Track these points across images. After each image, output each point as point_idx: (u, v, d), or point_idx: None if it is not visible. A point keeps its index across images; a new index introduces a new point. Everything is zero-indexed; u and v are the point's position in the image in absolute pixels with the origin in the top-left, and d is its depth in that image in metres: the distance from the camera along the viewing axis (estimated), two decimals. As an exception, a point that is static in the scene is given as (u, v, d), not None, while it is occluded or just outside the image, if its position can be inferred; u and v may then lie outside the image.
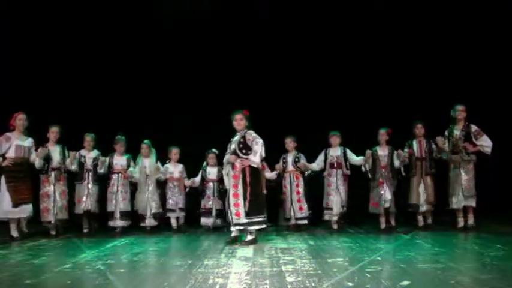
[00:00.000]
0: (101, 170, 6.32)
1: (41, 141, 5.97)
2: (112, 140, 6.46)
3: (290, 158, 6.45)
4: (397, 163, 6.09)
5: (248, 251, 4.48)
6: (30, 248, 4.96)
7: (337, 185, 6.24)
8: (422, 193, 6.03)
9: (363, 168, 6.22)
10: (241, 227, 4.99)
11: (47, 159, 5.90)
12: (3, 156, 5.65)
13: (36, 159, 5.82)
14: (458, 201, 5.79)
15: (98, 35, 7.72)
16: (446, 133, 6.02)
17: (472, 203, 5.78)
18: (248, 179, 4.96)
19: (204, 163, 6.60)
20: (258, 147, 4.95)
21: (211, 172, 6.54)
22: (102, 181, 6.39)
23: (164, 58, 7.92)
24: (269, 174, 6.39)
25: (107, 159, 6.38)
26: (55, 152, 6.01)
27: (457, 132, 5.90)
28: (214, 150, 6.53)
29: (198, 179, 6.59)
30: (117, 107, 7.62)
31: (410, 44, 7.71)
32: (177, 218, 6.55)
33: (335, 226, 6.25)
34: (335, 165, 6.30)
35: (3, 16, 7.42)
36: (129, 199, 6.37)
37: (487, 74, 7.58)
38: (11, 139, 5.69)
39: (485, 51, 7.56)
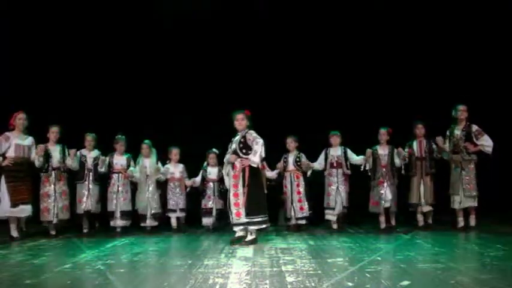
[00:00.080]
0: (102, 169, 6.32)
1: (41, 141, 5.97)
2: (112, 140, 6.46)
3: (291, 158, 6.44)
4: (397, 161, 6.09)
5: (248, 251, 4.48)
6: (30, 248, 4.96)
7: (338, 184, 6.24)
8: (422, 193, 6.03)
9: (362, 167, 6.22)
10: (242, 227, 4.99)
11: (47, 158, 5.90)
12: (3, 155, 5.65)
13: (36, 158, 5.82)
14: (460, 201, 5.79)
15: (98, 35, 7.73)
16: (447, 133, 6.02)
17: (474, 203, 5.78)
18: (248, 179, 4.96)
19: (205, 163, 6.60)
20: (258, 147, 4.94)
21: (212, 172, 6.54)
22: (103, 181, 6.39)
23: (164, 58, 7.93)
24: (270, 174, 6.40)
25: (107, 158, 6.38)
26: (55, 151, 6.01)
27: (458, 132, 5.90)
28: (214, 150, 6.53)
29: (198, 178, 6.59)
30: (117, 106, 7.63)
31: (411, 44, 7.72)
32: (178, 218, 6.56)
33: (335, 226, 6.25)
34: (335, 165, 6.29)
35: (3, 16, 7.41)
36: (129, 199, 6.37)
37: (488, 74, 7.58)
38: (10, 138, 5.69)
39: (486, 51, 7.56)
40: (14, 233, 5.65)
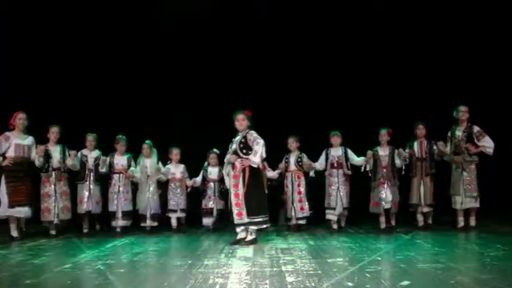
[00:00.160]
0: (103, 170, 6.33)
1: (41, 141, 5.97)
2: (112, 140, 6.46)
3: (292, 158, 6.44)
4: (398, 162, 6.08)
5: (248, 251, 4.48)
6: (30, 248, 4.96)
7: (339, 185, 6.23)
8: (422, 193, 6.03)
9: (363, 168, 6.23)
10: (243, 227, 5.00)
11: (47, 158, 5.90)
12: (3, 155, 5.65)
13: (36, 157, 5.81)
14: (461, 201, 5.79)
15: (98, 35, 7.73)
16: (448, 134, 6.03)
17: (476, 204, 5.78)
18: (248, 179, 4.96)
19: (205, 163, 6.60)
20: (259, 148, 4.94)
21: (213, 172, 6.54)
22: (104, 181, 6.39)
23: (164, 58, 7.93)
24: (271, 174, 6.40)
25: (108, 159, 6.38)
26: (55, 152, 6.00)
27: (459, 133, 5.90)
28: (215, 150, 6.53)
29: (199, 179, 6.59)
30: (117, 107, 7.63)
31: (411, 45, 7.72)
32: (178, 219, 6.56)
33: (335, 226, 6.25)
34: (335, 165, 6.29)
35: (3, 16, 7.42)
36: (130, 199, 6.36)
37: (489, 75, 7.58)
38: (10, 138, 5.69)
39: (487, 52, 7.57)
40: (14, 233, 5.65)
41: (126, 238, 5.71)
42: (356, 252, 4.30)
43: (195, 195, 6.67)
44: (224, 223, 6.34)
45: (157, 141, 6.61)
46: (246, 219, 4.94)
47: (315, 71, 7.95)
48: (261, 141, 4.97)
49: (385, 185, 5.98)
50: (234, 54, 7.83)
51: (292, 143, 6.47)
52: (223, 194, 6.23)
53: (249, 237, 4.97)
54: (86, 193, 6.19)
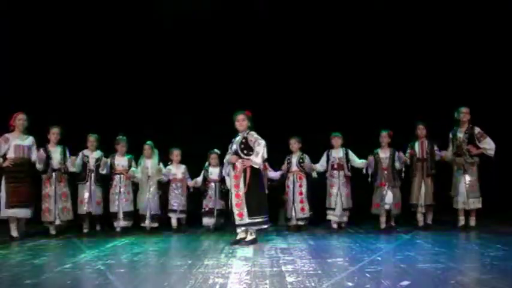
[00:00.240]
0: (103, 171, 6.33)
1: (41, 142, 5.97)
2: (112, 141, 6.46)
3: (294, 159, 6.44)
4: (397, 165, 6.12)
5: (248, 251, 4.48)
6: (30, 248, 4.96)
7: (340, 186, 6.24)
8: (423, 193, 6.04)
9: (364, 171, 6.24)
10: (244, 228, 5.00)
11: (48, 159, 5.89)
12: (3, 157, 5.65)
13: (37, 161, 5.82)
14: (463, 201, 5.79)
15: (98, 35, 7.72)
16: (450, 135, 6.04)
17: (478, 204, 5.80)
18: (249, 179, 4.96)
19: (206, 163, 6.60)
20: (260, 149, 4.95)
21: (213, 172, 6.54)
22: (105, 182, 6.39)
23: (164, 58, 7.92)
24: (273, 174, 6.41)
25: (109, 160, 6.37)
26: (56, 153, 5.99)
27: (461, 134, 5.91)
28: (216, 150, 6.52)
29: (200, 179, 6.59)
30: (117, 107, 7.62)
31: (412, 46, 7.71)
32: (178, 219, 6.55)
33: (335, 226, 6.26)
34: (336, 167, 6.29)
35: (3, 16, 7.41)
36: (131, 200, 6.36)
37: (490, 76, 7.57)
38: (10, 139, 5.69)
39: (488, 53, 7.55)
40: (14, 233, 5.64)
41: (126, 238, 5.71)
42: (356, 252, 4.30)
43: (196, 196, 6.67)
44: (224, 223, 6.36)
45: (158, 142, 6.60)
46: (247, 220, 4.94)
47: (316, 72, 7.94)
48: (262, 142, 4.98)
49: (386, 187, 6.00)
50: (234, 54, 7.82)
51: (294, 143, 6.46)
52: (224, 194, 6.24)
53: (249, 237, 4.97)
54: (87, 194, 6.20)
